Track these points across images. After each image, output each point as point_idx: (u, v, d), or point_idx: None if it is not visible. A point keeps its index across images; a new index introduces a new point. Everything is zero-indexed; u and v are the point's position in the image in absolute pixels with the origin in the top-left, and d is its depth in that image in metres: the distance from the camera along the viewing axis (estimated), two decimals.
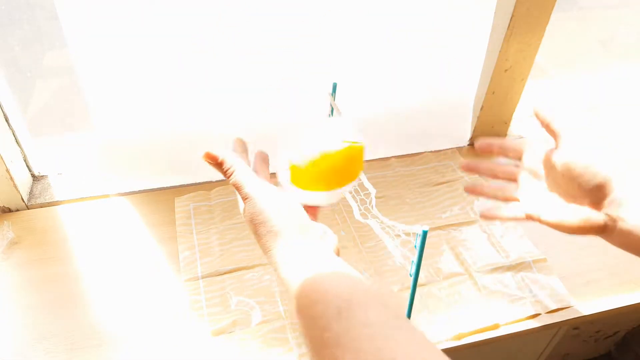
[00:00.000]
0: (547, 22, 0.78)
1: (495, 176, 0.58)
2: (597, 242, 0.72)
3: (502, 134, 0.94)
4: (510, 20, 0.76)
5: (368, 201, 0.61)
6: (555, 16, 0.78)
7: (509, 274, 0.68)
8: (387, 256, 0.69)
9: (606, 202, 0.47)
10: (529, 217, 0.53)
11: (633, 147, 0.95)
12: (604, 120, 1.02)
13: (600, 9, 1.23)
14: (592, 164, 0.48)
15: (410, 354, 0.32)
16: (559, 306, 0.64)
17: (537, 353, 0.82)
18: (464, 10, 0.76)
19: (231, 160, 0.46)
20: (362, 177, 0.63)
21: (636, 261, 0.70)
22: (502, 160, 0.58)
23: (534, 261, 0.70)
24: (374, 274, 0.67)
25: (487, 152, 0.58)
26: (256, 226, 0.43)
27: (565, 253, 0.71)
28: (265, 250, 0.43)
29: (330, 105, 0.71)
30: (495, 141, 0.58)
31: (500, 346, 0.74)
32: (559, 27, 0.85)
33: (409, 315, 0.57)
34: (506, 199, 0.57)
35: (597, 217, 0.47)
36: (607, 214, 0.47)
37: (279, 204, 0.44)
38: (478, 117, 0.89)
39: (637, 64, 1.20)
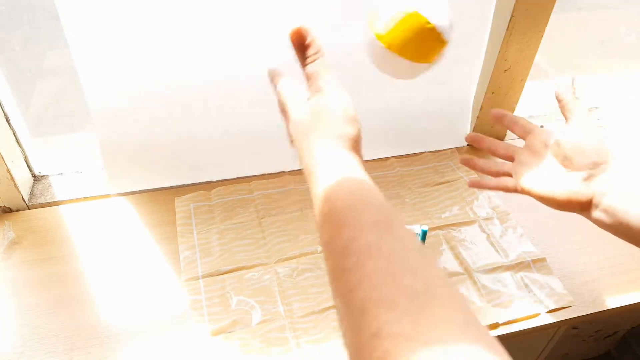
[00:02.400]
0: (546, 23, 0.78)
1: (495, 153, 0.60)
2: (596, 242, 0.73)
3: (502, 134, 0.95)
4: (510, 20, 0.76)
5: None
6: (555, 16, 0.78)
7: (508, 273, 0.68)
8: None
9: (598, 179, 0.49)
10: (519, 189, 0.55)
11: (633, 147, 0.95)
12: (604, 120, 1.03)
13: (600, 9, 1.23)
14: (599, 142, 0.50)
15: (441, 280, 0.30)
16: (558, 306, 0.64)
17: (537, 352, 0.82)
18: (464, 10, 0.76)
19: (319, 45, 0.44)
20: None
21: (635, 261, 0.70)
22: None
23: (534, 261, 0.70)
24: None
25: (498, 121, 0.60)
26: (316, 119, 0.42)
27: (564, 253, 0.72)
28: (308, 145, 0.41)
29: None
30: (509, 115, 0.60)
31: None
32: (558, 27, 0.85)
33: None
34: (499, 174, 0.59)
35: (585, 191, 0.49)
36: (594, 191, 0.49)
37: (346, 105, 0.43)
38: (477, 117, 0.90)
39: (637, 64, 1.20)
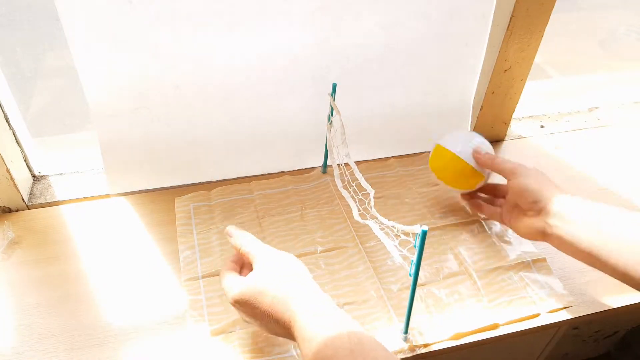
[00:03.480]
0: (546, 23, 0.78)
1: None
2: None
3: (502, 134, 0.95)
4: (510, 20, 0.76)
5: (367, 201, 0.61)
6: (555, 16, 0.78)
7: (508, 273, 0.68)
8: (387, 256, 0.70)
9: (543, 213, 0.60)
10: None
11: (632, 148, 0.95)
12: (604, 120, 1.03)
13: (600, 9, 1.24)
14: (529, 187, 0.62)
15: None
16: (558, 306, 0.64)
17: (537, 353, 0.82)
18: (464, 10, 0.76)
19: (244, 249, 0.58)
20: (359, 177, 0.63)
21: None
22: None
23: (534, 261, 0.70)
24: (374, 274, 0.67)
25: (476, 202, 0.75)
26: (265, 279, 0.52)
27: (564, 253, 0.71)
28: (284, 309, 0.49)
29: (330, 105, 0.71)
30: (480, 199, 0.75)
31: (500, 346, 0.74)
32: (558, 27, 0.85)
33: (408, 316, 0.57)
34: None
35: (538, 223, 0.61)
36: (545, 222, 0.60)
37: (282, 253, 0.55)
38: (477, 118, 0.89)
39: (637, 64, 1.20)
